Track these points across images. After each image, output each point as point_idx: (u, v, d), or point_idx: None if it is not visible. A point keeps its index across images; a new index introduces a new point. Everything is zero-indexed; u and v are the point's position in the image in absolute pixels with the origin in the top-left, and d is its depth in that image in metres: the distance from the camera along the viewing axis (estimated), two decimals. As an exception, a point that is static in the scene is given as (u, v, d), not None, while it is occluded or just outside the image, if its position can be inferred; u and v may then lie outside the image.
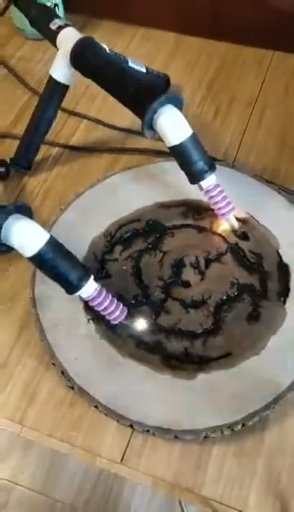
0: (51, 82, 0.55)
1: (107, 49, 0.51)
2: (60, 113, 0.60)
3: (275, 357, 0.45)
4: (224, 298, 0.49)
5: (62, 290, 0.44)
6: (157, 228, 0.54)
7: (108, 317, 0.46)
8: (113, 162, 0.62)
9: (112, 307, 0.45)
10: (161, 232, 0.53)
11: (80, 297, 0.45)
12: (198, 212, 0.54)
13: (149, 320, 0.48)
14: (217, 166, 0.49)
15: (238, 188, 0.53)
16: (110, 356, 0.46)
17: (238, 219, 0.52)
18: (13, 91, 0.69)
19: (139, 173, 0.58)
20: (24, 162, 0.60)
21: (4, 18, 0.67)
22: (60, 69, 0.53)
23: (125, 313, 0.46)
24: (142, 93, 0.47)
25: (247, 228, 0.53)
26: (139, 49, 0.74)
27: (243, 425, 0.42)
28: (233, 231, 0.53)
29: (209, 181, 0.48)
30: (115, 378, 0.45)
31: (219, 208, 0.50)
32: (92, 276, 0.44)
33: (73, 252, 0.44)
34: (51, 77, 0.54)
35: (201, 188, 0.49)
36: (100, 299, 0.44)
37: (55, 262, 0.42)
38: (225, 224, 0.53)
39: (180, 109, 0.47)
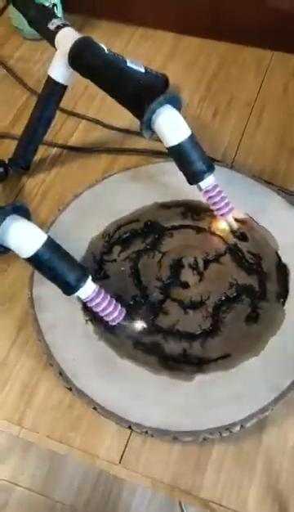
0: (50, 82, 0.54)
1: (105, 49, 0.51)
2: (58, 113, 0.60)
3: (274, 358, 0.45)
4: (223, 299, 0.49)
5: (60, 291, 0.44)
6: (155, 229, 0.54)
7: (106, 318, 0.46)
8: (112, 162, 0.61)
9: (110, 308, 0.45)
10: (159, 233, 0.53)
11: (78, 298, 0.44)
12: (197, 212, 0.54)
13: (148, 321, 0.48)
14: (216, 167, 0.48)
15: (236, 189, 0.53)
16: (108, 357, 0.46)
17: (236, 220, 0.52)
18: (12, 91, 0.69)
19: (137, 174, 0.58)
20: (23, 162, 0.60)
21: (2, 18, 0.67)
22: (59, 70, 0.53)
23: (123, 314, 0.46)
24: (141, 93, 0.47)
25: (245, 229, 0.52)
26: (137, 49, 0.74)
27: (242, 427, 0.41)
28: (232, 232, 0.52)
29: (208, 181, 0.48)
30: (113, 379, 0.45)
31: (218, 209, 0.50)
32: (90, 277, 0.44)
33: (72, 253, 0.44)
34: (49, 77, 0.54)
35: (200, 189, 0.49)
36: (98, 300, 0.44)
37: (52, 264, 0.42)
38: (224, 225, 0.52)
39: (179, 109, 0.46)
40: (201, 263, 0.51)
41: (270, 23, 0.68)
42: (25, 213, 0.43)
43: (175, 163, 0.48)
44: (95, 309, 0.45)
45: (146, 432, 0.42)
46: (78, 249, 0.51)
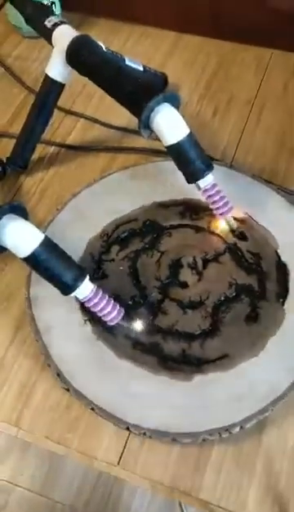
0: (47, 80, 0.54)
1: (103, 47, 0.51)
2: (56, 112, 0.59)
3: (274, 359, 0.44)
4: (222, 298, 0.48)
5: (58, 291, 0.43)
6: (154, 228, 0.53)
7: (104, 318, 0.45)
8: (110, 161, 0.61)
9: (108, 308, 0.45)
10: (158, 232, 0.53)
11: (76, 298, 0.44)
12: (196, 212, 0.54)
13: (146, 321, 0.47)
14: (215, 165, 0.48)
15: (236, 188, 0.53)
16: (107, 357, 0.45)
17: (236, 219, 0.52)
18: (9, 89, 0.69)
19: (136, 173, 0.57)
20: (21, 161, 0.59)
21: (0, 16, 0.67)
22: (56, 68, 0.53)
23: (122, 314, 0.46)
24: (139, 92, 0.46)
25: (245, 228, 0.52)
26: (136, 47, 0.73)
27: (242, 427, 0.41)
28: (232, 231, 0.52)
29: (207, 180, 0.48)
30: (111, 379, 0.44)
31: (217, 208, 0.50)
32: (88, 277, 0.43)
33: (70, 252, 0.43)
34: (46, 75, 0.54)
35: (198, 188, 0.48)
36: (96, 300, 0.44)
37: (49, 263, 0.42)
38: (223, 224, 0.52)
39: (178, 108, 0.46)
40: (200, 263, 0.51)
41: (270, 22, 0.67)
42: (23, 213, 0.43)
43: (173, 162, 0.48)
44: (93, 309, 0.45)
45: (144, 433, 0.41)
46: (76, 248, 0.51)
